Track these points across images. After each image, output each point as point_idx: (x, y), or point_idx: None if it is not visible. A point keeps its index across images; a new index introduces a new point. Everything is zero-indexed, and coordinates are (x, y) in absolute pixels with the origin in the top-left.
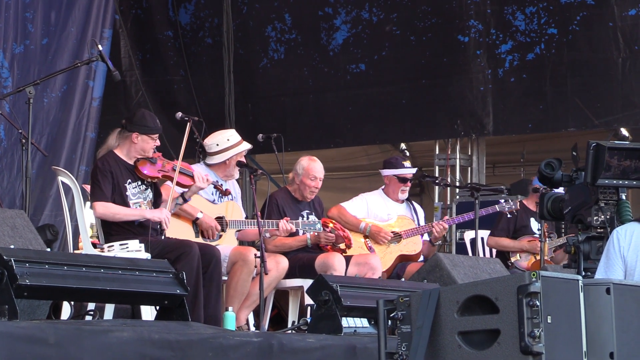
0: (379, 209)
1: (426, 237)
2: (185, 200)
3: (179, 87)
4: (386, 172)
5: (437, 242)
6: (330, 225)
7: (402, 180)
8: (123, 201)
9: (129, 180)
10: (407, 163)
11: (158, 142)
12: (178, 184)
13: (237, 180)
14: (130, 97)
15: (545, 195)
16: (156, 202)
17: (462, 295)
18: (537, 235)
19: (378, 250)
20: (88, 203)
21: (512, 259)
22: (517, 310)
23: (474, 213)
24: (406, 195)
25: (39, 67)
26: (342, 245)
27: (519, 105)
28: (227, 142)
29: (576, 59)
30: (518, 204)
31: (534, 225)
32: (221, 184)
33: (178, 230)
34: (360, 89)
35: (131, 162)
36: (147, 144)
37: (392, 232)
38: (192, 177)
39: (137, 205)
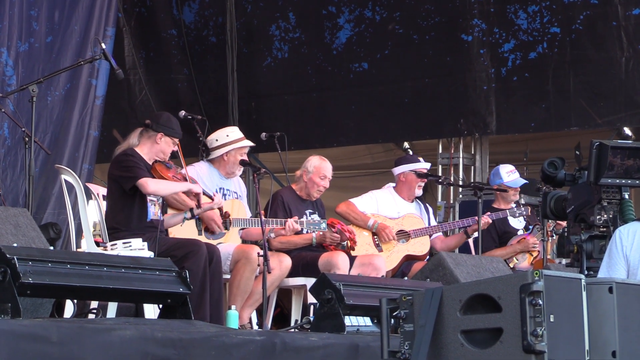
0: (388, 207)
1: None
2: (193, 216)
3: (183, 86)
4: (402, 168)
5: (473, 234)
6: (337, 226)
7: (420, 175)
8: (141, 196)
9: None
10: (421, 158)
11: (176, 147)
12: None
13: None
14: (134, 96)
15: (548, 194)
16: (164, 207)
17: (464, 293)
18: (521, 233)
19: (385, 248)
20: (91, 201)
21: (511, 265)
22: (519, 309)
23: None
24: (421, 191)
25: (43, 65)
26: (346, 246)
27: (522, 104)
28: (226, 137)
29: (579, 58)
30: (529, 209)
31: (513, 222)
32: (226, 212)
33: (182, 228)
34: (364, 87)
35: (149, 163)
36: (169, 146)
37: (400, 230)
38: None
39: (152, 203)
